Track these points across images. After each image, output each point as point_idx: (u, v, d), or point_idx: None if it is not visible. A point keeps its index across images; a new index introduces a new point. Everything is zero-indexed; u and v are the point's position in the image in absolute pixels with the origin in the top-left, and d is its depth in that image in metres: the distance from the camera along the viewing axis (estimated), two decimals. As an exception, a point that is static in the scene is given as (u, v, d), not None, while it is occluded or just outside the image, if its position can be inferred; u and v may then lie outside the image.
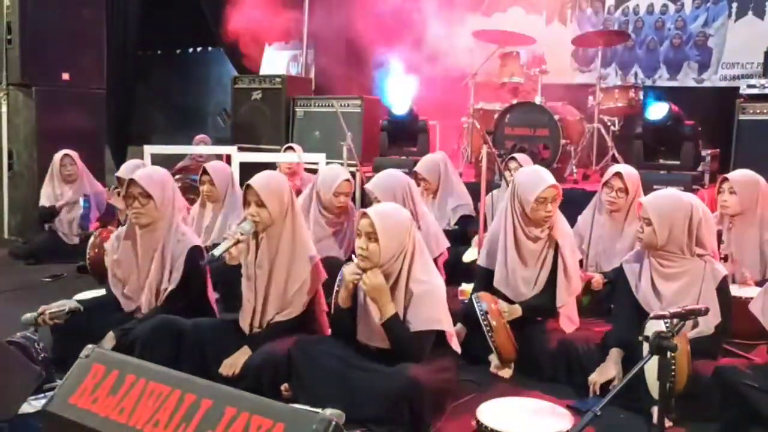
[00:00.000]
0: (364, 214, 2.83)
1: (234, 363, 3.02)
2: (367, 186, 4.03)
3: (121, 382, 1.87)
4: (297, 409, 1.67)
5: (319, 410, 1.97)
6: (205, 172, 4.64)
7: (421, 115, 6.90)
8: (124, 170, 4.85)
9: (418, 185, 5.19)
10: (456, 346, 3.01)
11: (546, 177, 3.47)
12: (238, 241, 3.05)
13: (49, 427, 1.99)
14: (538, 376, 3.26)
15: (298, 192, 4.49)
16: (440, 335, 2.92)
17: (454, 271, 4.31)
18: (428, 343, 2.86)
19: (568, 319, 3.49)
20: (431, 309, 2.84)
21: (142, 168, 4.89)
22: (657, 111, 5.48)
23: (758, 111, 5.30)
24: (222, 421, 1.68)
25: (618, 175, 4.21)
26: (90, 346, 2.05)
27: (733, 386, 2.65)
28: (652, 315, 2.39)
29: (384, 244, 2.77)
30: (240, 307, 3.21)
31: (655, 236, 2.99)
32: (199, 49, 10.31)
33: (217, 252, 3.05)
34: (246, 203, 3.12)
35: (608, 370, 2.98)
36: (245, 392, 1.78)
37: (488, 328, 3.19)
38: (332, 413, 2.57)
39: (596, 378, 2.97)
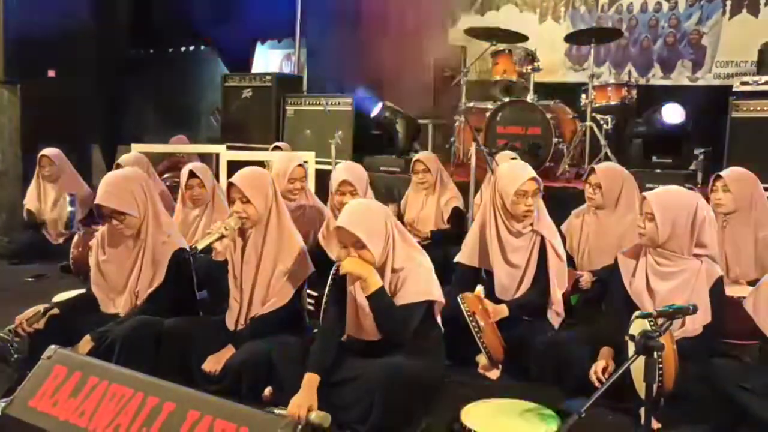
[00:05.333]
0: (340, 228, 2.76)
1: (218, 360, 2.98)
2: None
3: (82, 384, 1.81)
4: (261, 413, 1.59)
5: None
6: (193, 175, 4.47)
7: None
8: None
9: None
10: (438, 321, 2.96)
11: (526, 171, 3.43)
12: (222, 236, 3.01)
13: (9, 431, 1.92)
14: (525, 378, 3.20)
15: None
16: (426, 317, 2.86)
17: (445, 271, 4.24)
18: (416, 316, 2.80)
19: (555, 313, 3.45)
20: (417, 283, 2.81)
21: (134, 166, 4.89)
22: (674, 114, 5.36)
23: (752, 109, 5.23)
24: (184, 424, 1.62)
25: (593, 171, 4.17)
26: (53, 347, 1.98)
27: (723, 387, 2.60)
28: (637, 314, 2.33)
29: (373, 247, 2.74)
30: (227, 306, 3.16)
31: (657, 232, 2.90)
32: (191, 48, 10.23)
33: (200, 246, 3.02)
34: (230, 201, 3.11)
35: (600, 361, 2.89)
36: (210, 395, 1.72)
37: (477, 329, 3.13)
38: (317, 415, 2.52)
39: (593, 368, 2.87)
